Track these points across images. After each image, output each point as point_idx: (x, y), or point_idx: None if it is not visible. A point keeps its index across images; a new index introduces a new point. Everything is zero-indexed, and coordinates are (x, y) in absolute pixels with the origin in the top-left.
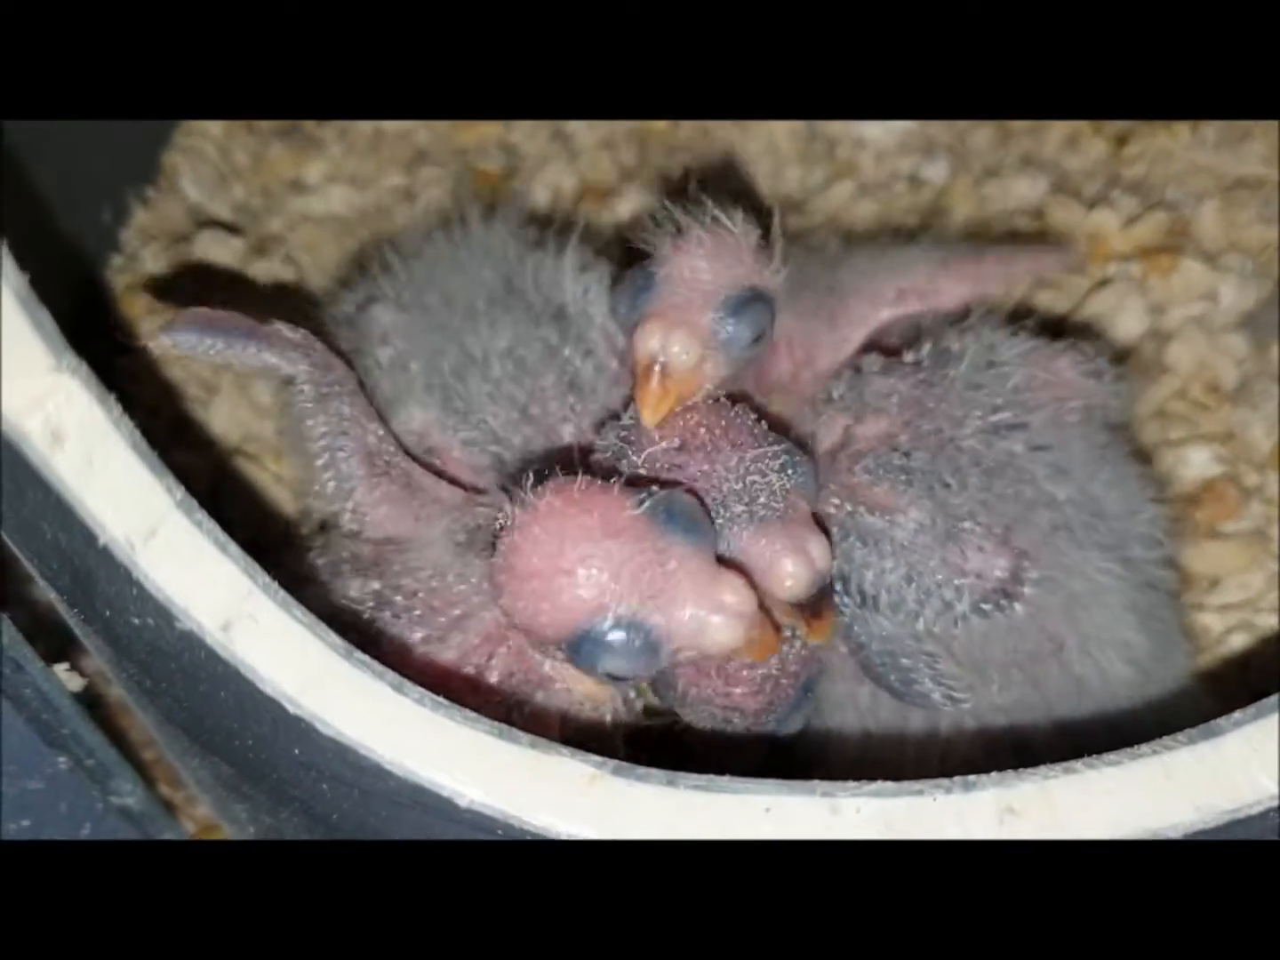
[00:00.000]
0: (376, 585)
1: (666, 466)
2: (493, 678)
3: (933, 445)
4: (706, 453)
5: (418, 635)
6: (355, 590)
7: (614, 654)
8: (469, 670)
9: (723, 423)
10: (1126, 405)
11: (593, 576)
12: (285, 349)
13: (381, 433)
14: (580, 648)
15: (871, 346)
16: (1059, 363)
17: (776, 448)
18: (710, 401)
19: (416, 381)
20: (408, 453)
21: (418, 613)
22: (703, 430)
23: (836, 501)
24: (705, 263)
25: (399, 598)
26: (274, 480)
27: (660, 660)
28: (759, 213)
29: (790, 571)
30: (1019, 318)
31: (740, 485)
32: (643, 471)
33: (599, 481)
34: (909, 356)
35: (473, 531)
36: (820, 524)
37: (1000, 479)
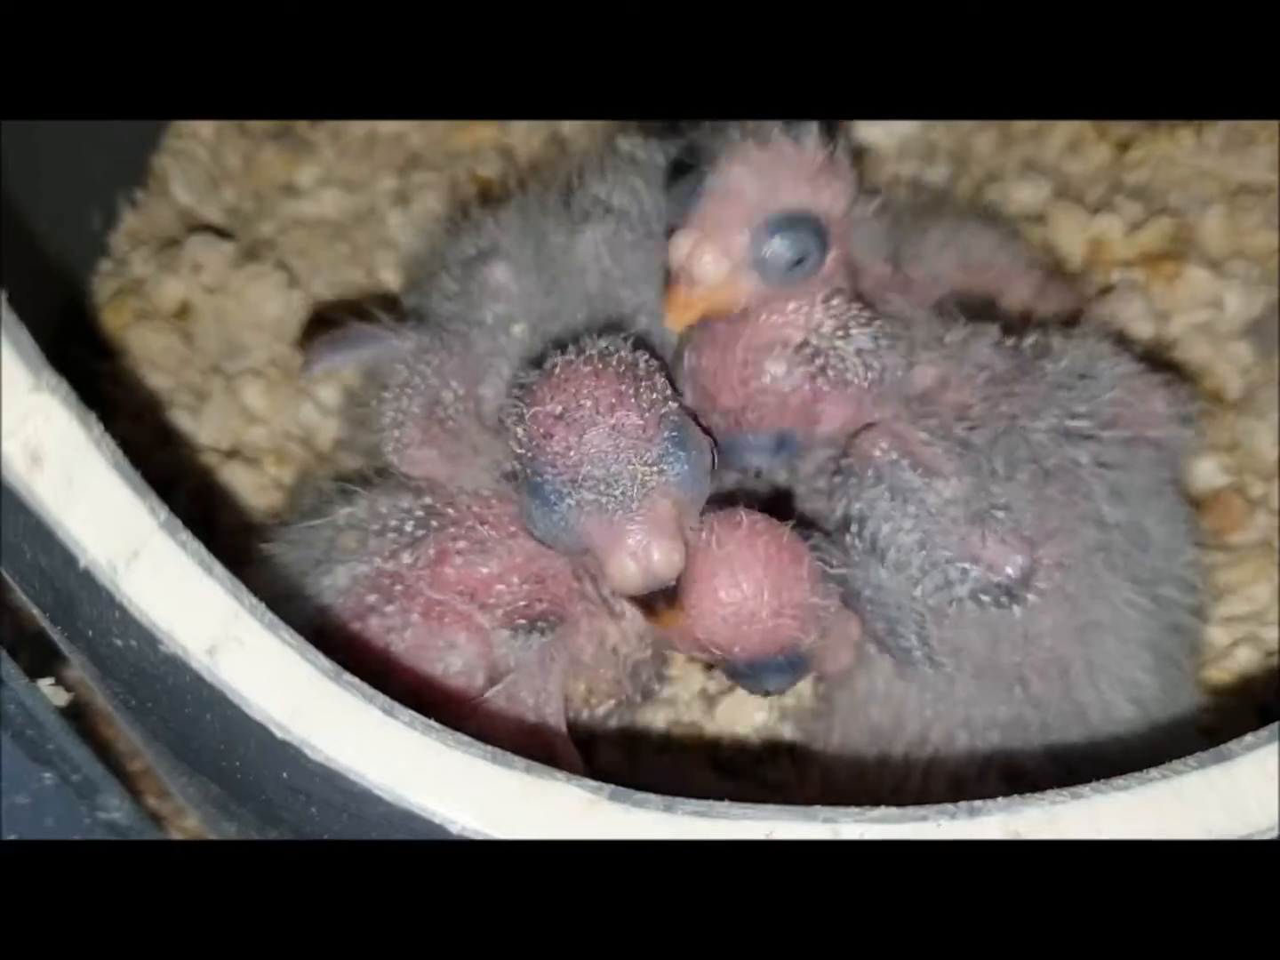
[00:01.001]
0: (428, 500)
1: (541, 432)
2: (520, 604)
3: (1001, 428)
4: (577, 429)
5: (461, 544)
6: (343, 579)
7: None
8: (497, 594)
9: (612, 397)
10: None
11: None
12: (393, 337)
13: (462, 392)
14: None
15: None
16: (1154, 396)
17: (661, 436)
18: (616, 365)
19: (514, 348)
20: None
21: (468, 524)
22: (587, 402)
23: (884, 445)
24: (753, 178)
25: (450, 509)
26: (274, 484)
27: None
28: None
29: (619, 569)
30: (1124, 342)
31: (601, 471)
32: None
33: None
34: (1011, 340)
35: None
36: (681, 526)
37: (1057, 483)
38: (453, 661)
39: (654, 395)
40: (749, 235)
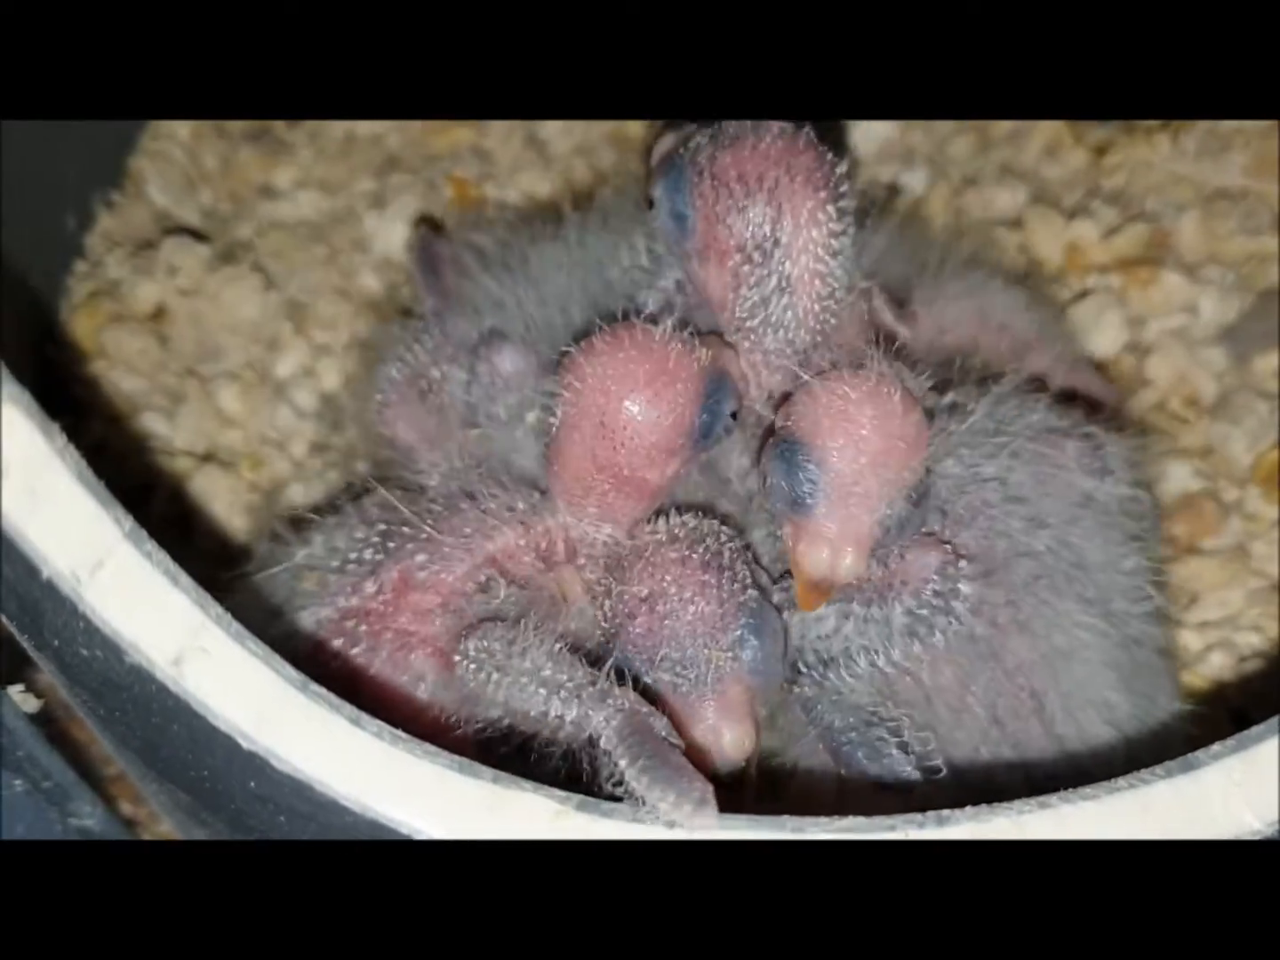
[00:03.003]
0: (382, 525)
1: (626, 611)
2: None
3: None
4: (660, 615)
5: (420, 558)
6: (308, 623)
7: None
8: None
9: (696, 586)
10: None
11: None
12: None
13: (448, 371)
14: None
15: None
16: (1066, 448)
17: (737, 624)
18: (703, 554)
19: (528, 441)
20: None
21: (424, 536)
22: (672, 590)
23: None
24: (871, 463)
25: (405, 527)
26: (249, 488)
27: None
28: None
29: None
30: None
31: (678, 654)
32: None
33: None
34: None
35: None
36: (753, 709)
37: (971, 528)
38: (423, 692)
39: (735, 585)
40: (878, 525)
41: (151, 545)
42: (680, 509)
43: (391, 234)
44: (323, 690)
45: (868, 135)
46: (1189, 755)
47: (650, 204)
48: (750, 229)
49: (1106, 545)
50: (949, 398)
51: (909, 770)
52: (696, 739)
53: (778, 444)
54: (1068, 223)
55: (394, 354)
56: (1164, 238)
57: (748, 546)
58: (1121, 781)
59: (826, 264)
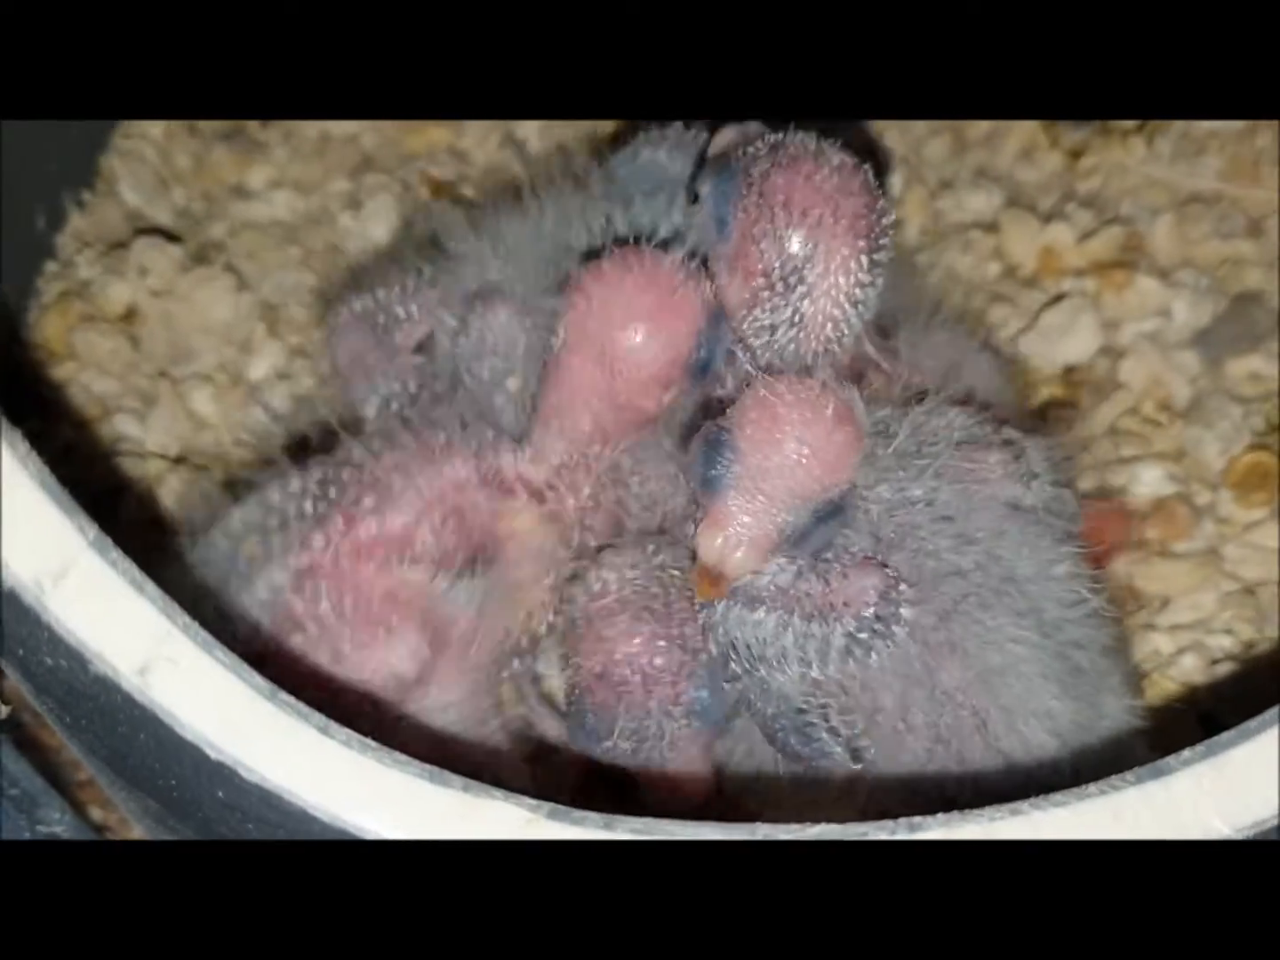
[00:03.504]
0: (318, 473)
1: (584, 684)
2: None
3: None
4: (614, 692)
5: (367, 501)
6: (262, 591)
7: None
8: (422, 543)
9: (647, 665)
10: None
11: None
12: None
13: (413, 310)
14: None
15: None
16: (989, 459)
17: (689, 694)
18: (648, 623)
19: (508, 408)
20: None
21: (367, 479)
22: (624, 669)
23: None
24: (785, 465)
25: (345, 472)
26: (222, 490)
27: None
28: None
29: (656, 798)
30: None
31: (634, 724)
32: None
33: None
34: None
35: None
36: (706, 756)
37: (900, 551)
38: (396, 648)
39: (685, 655)
40: (779, 529)
41: (117, 553)
42: (625, 549)
43: (366, 235)
44: (291, 699)
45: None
46: (1159, 761)
47: (695, 198)
48: (781, 259)
49: (1035, 554)
50: (876, 421)
51: (839, 753)
52: (659, 786)
53: (708, 426)
54: (1043, 226)
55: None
56: (1138, 241)
57: None
58: (1092, 788)
59: (844, 311)
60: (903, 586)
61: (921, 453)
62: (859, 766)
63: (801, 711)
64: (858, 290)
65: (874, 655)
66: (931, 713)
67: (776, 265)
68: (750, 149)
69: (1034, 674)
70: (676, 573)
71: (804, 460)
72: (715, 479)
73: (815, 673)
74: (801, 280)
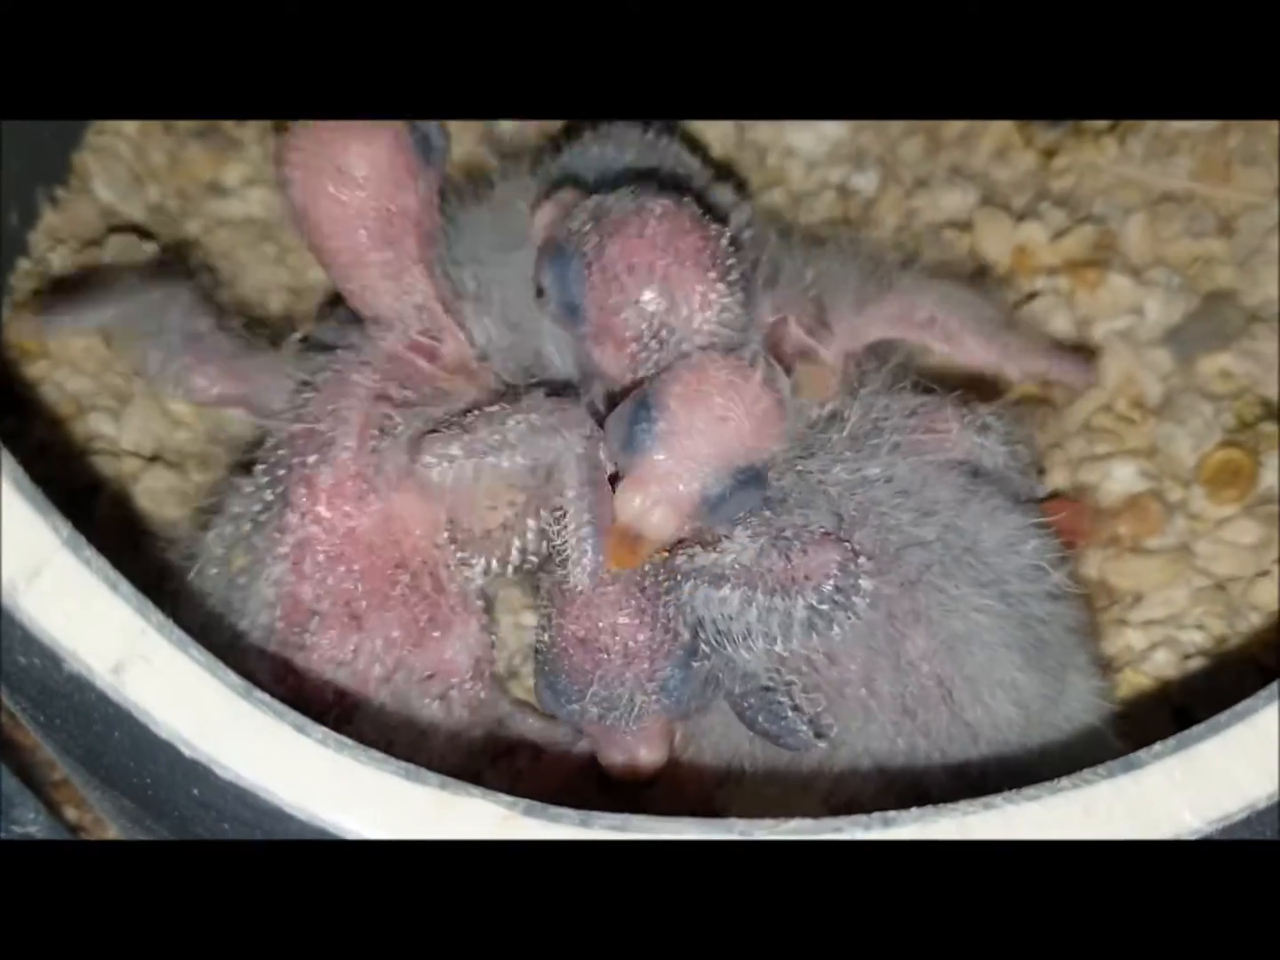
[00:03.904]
0: (262, 463)
1: (562, 646)
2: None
3: (794, 482)
4: (593, 658)
5: (312, 458)
6: (268, 593)
7: None
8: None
9: (630, 640)
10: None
11: None
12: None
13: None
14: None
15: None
16: (944, 414)
17: (663, 672)
18: (638, 600)
19: None
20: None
21: (303, 440)
22: (605, 637)
23: (680, 549)
24: (702, 430)
25: (278, 450)
26: (197, 490)
27: None
28: None
29: (610, 762)
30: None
31: (605, 693)
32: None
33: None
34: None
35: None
36: (669, 732)
37: (863, 527)
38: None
39: (666, 636)
40: (699, 492)
41: (90, 552)
42: None
43: None
44: (266, 697)
45: (820, 137)
46: (1130, 755)
47: (540, 291)
48: (645, 322)
49: (997, 528)
50: (828, 408)
51: (805, 730)
52: (615, 756)
53: (636, 391)
54: (1016, 225)
55: (158, 327)
56: (1111, 240)
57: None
58: (1064, 781)
59: (720, 333)
60: (861, 559)
61: (877, 430)
62: (823, 744)
63: (768, 689)
64: (725, 314)
65: (836, 627)
66: (897, 684)
67: (644, 328)
68: (574, 225)
69: (997, 643)
70: (665, 554)
71: (728, 424)
72: (638, 438)
73: (779, 648)
74: (672, 330)
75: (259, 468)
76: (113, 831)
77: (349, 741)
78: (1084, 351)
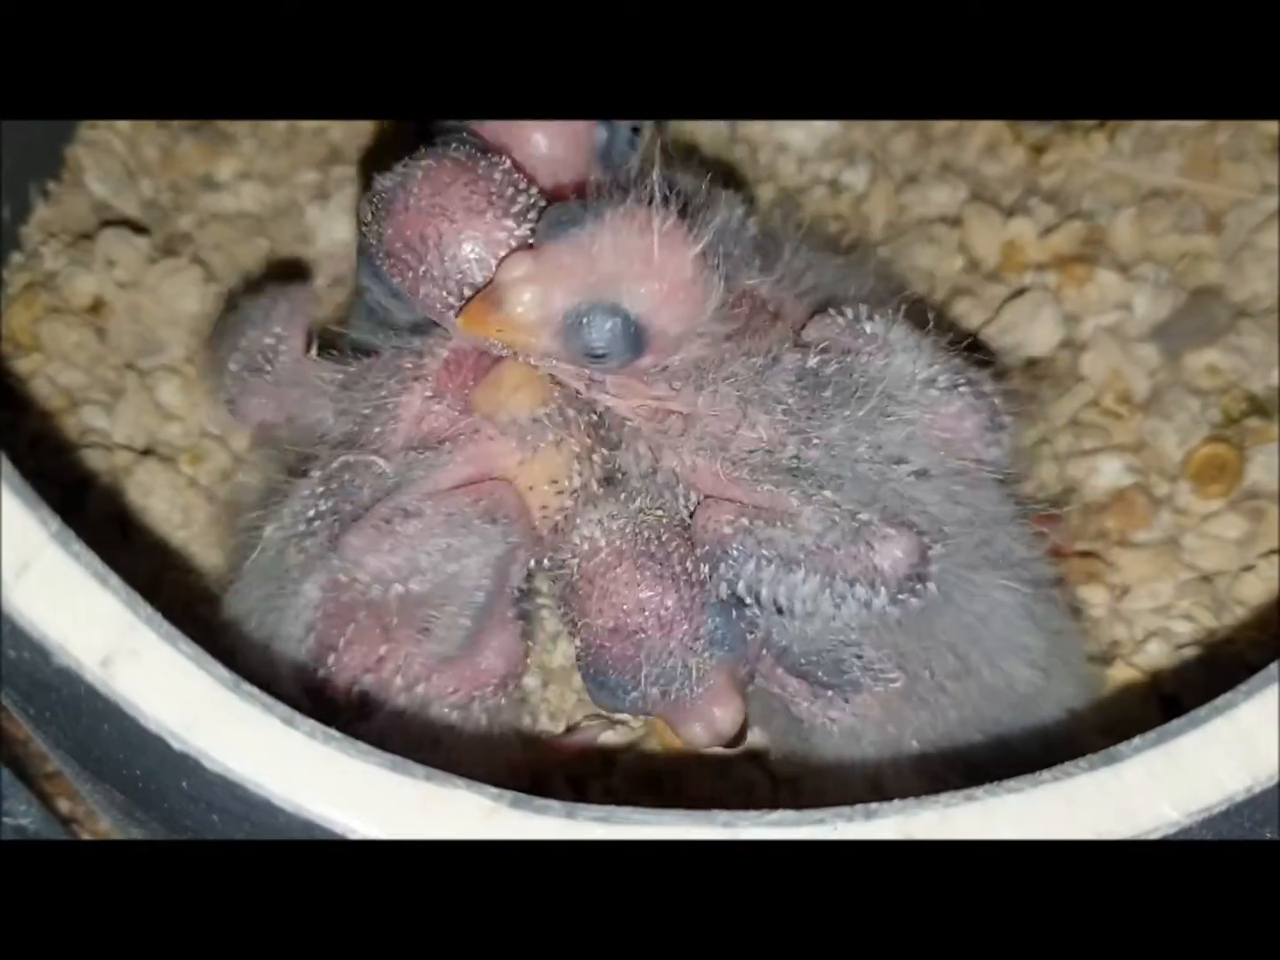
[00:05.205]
0: (318, 471)
1: (597, 643)
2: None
3: (821, 455)
4: (633, 641)
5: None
6: (312, 593)
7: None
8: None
9: (660, 608)
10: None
11: None
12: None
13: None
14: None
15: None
16: (966, 423)
17: (707, 628)
18: (654, 565)
19: None
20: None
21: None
22: (636, 617)
23: (727, 517)
24: (615, 255)
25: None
26: (189, 483)
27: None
28: None
29: (691, 736)
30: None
31: (658, 669)
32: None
33: None
34: (816, 361)
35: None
36: (737, 682)
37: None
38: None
39: (694, 590)
40: (573, 303)
41: (80, 546)
42: (596, 505)
43: (334, 227)
44: (255, 690)
45: (811, 133)
46: (1111, 749)
47: (367, 292)
48: (450, 285)
49: (995, 498)
50: (839, 363)
51: (868, 680)
52: (694, 729)
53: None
54: (1006, 220)
55: (226, 347)
56: (1099, 236)
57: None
58: (1046, 774)
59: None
60: (932, 550)
61: (899, 409)
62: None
63: (830, 650)
64: (528, 239)
65: (899, 613)
66: (928, 660)
67: (453, 291)
68: (367, 219)
69: (1014, 615)
70: (660, 512)
71: (641, 264)
72: (560, 229)
73: (838, 626)
74: (475, 278)
75: (316, 475)
76: (105, 823)
77: (336, 734)
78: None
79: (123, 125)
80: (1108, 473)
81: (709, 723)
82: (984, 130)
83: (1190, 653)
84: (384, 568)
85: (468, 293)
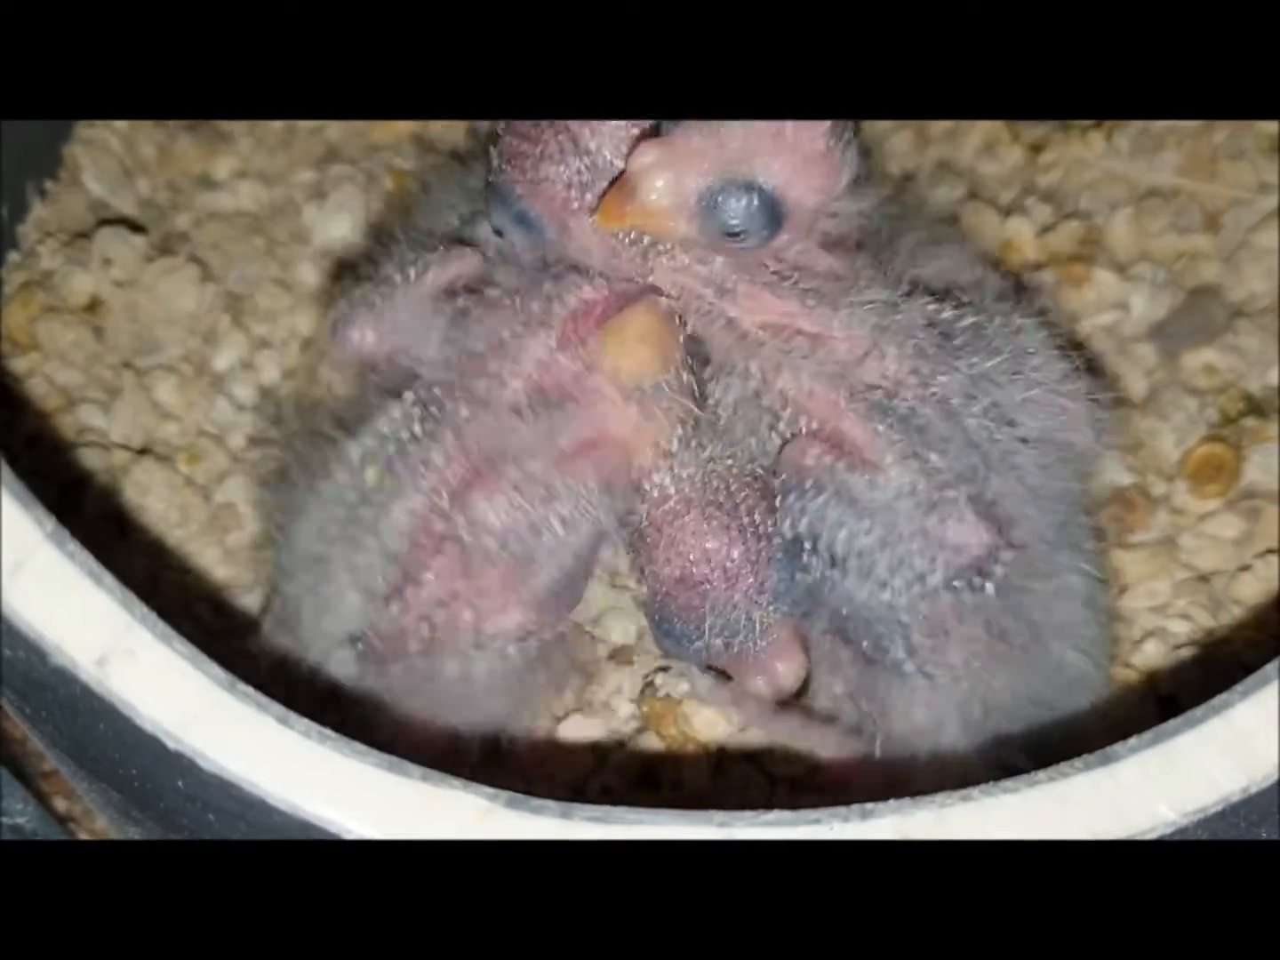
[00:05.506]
0: (406, 402)
1: (664, 590)
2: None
3: (935, 411)
4: (698, 592)
5: (464, 412)
6: (400, 517)
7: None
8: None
9: (726, 560)
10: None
11: None
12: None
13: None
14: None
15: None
16: (1078, 407)
17: (771, 581)
18: (723, 517)
19: None
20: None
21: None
22: (703, 567)
23: (816, 451)
24: (741, 136)
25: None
26: (185, 483)
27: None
28: None
29: (755, 688)
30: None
31: (723, 621)
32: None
33: None
34: (950, 313)
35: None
36: (799, 637)
37: (999, 475)
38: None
39: (761, 543)
40: (706, 184)
41: (75, 545)
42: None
43: (331, 226)
44: (250, 690)
45: None
46: (1107, 749)
47: (499, 233)
48: (578, 182)
49: (1078, 483)
50: (966, 321)
51: (910, 667)
52: (755, 681)
53: None
54: (1003, 220)
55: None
56: (1097, 235)
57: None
58: (1042, 775)
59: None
60: (1004, 552)
61: (1022, 375)
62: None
63: (879, 623)
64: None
65: (953, 599)
66: (1005, 639)
67: (582, 183)
68: (490, 175)
69: (1079, 601)
70: (730, 462)
71: (772, 140)
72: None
73: (887, 595)
74: (597, 166)
75: (410, 396)
76: (101, 822)
77: (332, 733)
78: None
79: (120, 124)
80: (1106, 472)
81: (771, 676)
82: (981, 130)
83: (1187, 652)
84: (504, 530)
85: (580, 182)
